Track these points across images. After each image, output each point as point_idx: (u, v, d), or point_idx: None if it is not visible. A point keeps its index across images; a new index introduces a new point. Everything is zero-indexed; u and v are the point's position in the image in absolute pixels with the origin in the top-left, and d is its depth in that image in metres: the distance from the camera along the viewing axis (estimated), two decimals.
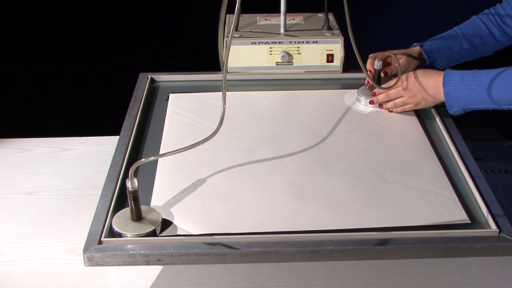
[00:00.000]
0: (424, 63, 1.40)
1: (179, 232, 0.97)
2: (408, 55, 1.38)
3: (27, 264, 1.12)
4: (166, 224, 0.99)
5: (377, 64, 1.34)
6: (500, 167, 1.61)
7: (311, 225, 0.98)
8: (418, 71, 1.28)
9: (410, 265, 1.11)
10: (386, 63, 1.38)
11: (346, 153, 1.18)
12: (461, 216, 1.00)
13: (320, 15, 1.59)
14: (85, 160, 1.41)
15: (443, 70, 1.26)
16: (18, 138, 1.51)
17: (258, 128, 1.28)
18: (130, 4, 3.15)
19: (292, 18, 1.57)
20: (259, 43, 1.46)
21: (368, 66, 1.36)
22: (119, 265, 0.94)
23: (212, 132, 1.00)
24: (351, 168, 1.13)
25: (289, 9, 1.48)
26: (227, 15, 1.46)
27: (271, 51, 1.46)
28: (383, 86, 1.34)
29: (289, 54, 1.46)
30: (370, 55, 1.38)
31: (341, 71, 1.48)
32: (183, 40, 3.12)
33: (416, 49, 1.40)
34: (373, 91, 1.35)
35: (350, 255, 0.94)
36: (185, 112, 1.34)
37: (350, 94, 1.40)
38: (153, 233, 0.96)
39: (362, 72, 1.28)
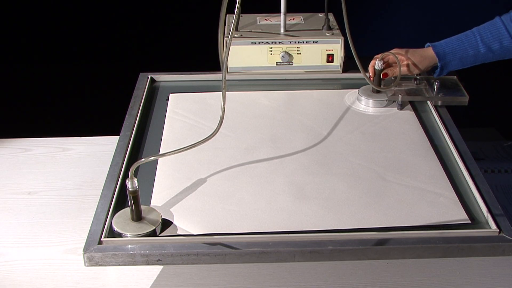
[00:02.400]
0: (436, 64, 1.36)
1: (179, 232, 0.97)
2: (419, 55, 1.35)
3: (27, 264, 1.12)
4: (166, 224, 0.99)
5: (378, 65, 1.34)
6: (500, 167, 1.61)
7: (311, 225, 0.98)
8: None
9: (410, 265, 1.11)
10: (389, 64, 1.38)
11: (346, 153, 1.18)
12: (461, 216, 1.00)
13: (320, 15, 1.59)
14: (85, 160, 1.41)
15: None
16: (18, 138, 1.51)
17: (258, 128, 1.28)
18: (130, 4, 3.15)
19: (292, 18, 1.57)
20: (259, 43, 1.46)
21: (370, 68, 1.36)
22: (119, 265, 0.94)
23: (212, 132, 1.00)
24: (351, 168, 1.13)
25: (289, 9, 1.48)
26: (227, 15, 1.46)
27: (271, 51, 1.46)
28: (382, 87, 1.35)
29: (289, 54, 1.46)
30: (375, 56, 1.37)
31: (341, 71, 1.48)
32: (183, 40, 3.12)
33: (429, 49, 1.36)
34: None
35: (350, 255, 0.94)
36: (185, 112, 1.34)
37: (350, 94, 1.40)
38: (153, 233, 0.96)
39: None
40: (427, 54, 1.36)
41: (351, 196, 1.05)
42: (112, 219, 0.98)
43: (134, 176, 0.93)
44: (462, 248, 0.94)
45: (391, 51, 1.37)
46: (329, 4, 1.47)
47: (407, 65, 1.36)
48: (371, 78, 1.36)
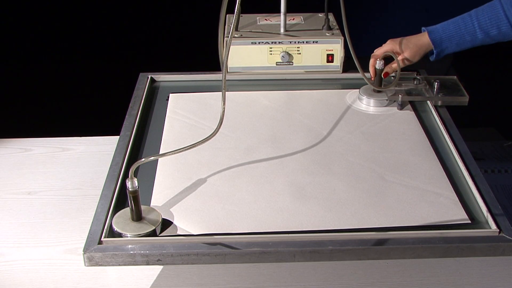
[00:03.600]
0: (432, 49, 1.34)
1: (179, 232, 0.97)
2: (414, 44, 1.34)
3: (27, 264, 1.12)
4: (166, 224, 0.99)
5: (378, 64, 1.34)
6: (500, 167, 1.61)
7: (311, 225, 0.98)
8: None
9: (410, 265, 1.11)
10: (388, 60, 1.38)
11: (346, 153, 1.18)
12: (461, 216, 1.00)
13: (320, 15, 1.59)
14: (85, 160, 1.41)
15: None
16: (18, 138, 1.51)
17: (258, 128, 1.28)
18: (130, 4, 3.15)
19: (292, 18, 1.57)
20: (259, 43, 1.46)
21: (371, 67, 1.36)
22: (119, 265, 0.94)
23: (212, 132, 1.00)
24: (351, 168, 1.13)
25: (289, 9, 1.48)
26: (227, 15, 1.46)
27: (271, 51, 1.46)
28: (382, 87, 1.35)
29: (289, 54, 1.46)
30: (372, 55, 1.37)
31: (341, 71, 1.48)
32: (183, 40, 3.12)
33: (424, 36, 1.34)
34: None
35: (350, 255, 0.94)
36: (185, 112, 1.34)
37: (351, 94, 1.40)
38: (153, 233, 0.96)
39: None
40: (422, 43, 1.33)
41: (351, 196, 1.05)
42: (112, 219, 0.98)
43: (134, 176, 0.93)
44: (462, 248, 0.94)
45: (386, 44, 1.36)
46: (329, 4, 1.47)
47: (402, 60, 1.36)
48: (372, 78, 1.36)
